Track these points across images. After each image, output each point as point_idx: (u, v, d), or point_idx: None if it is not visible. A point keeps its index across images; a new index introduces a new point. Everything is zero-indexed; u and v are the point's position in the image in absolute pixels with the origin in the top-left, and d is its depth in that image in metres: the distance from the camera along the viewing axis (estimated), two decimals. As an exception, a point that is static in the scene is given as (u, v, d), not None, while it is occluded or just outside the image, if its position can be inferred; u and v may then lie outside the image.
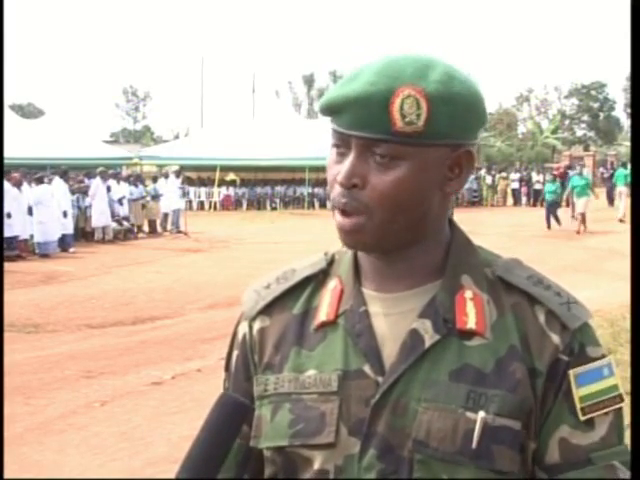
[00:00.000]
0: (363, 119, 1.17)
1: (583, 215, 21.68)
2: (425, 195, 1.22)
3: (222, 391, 1.39)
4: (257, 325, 1.34)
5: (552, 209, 22.79)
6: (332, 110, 1.20)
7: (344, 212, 1.21)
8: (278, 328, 1.32)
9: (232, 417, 1.13)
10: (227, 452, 1.13)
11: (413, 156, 1.19)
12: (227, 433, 1.12)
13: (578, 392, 1.21)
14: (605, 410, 1.22)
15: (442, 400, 1.18)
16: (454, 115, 1.19)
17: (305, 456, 1.23)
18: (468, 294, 1.24)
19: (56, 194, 18.32)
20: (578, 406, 1.20)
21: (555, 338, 1.21)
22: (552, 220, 22.70)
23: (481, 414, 1.17)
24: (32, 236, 17.42)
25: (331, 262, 1.35)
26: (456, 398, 1.18)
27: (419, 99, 1.17)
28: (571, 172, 31.58)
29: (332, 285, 1.31)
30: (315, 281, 1.34)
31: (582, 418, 1.20)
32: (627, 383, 1.25)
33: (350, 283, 1.29)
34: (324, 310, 1.29)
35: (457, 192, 1.28)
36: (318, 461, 1.22)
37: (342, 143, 1.21)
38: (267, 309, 1.34)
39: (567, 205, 23.15)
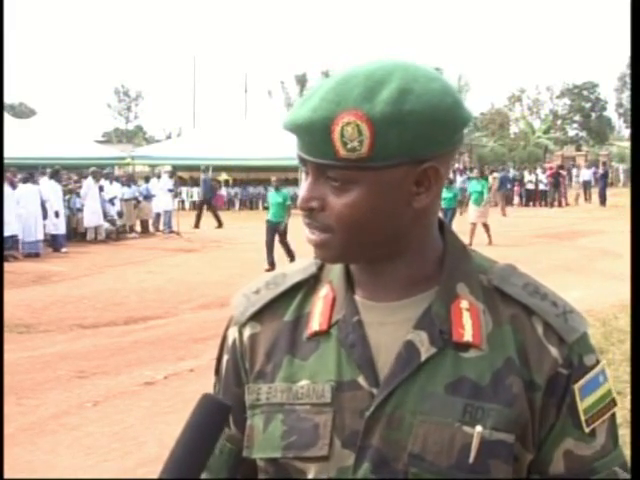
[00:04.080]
0: (310, 145, 1.17)
1: (485, 226, 18.52)
2: (388, 214, 1.19)
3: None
4: (247, 331, 1.32)
5: (450, 216, 18.44)
6: (289, 132, 1.21)
7: (310, 230, 1.22)
8: (269, 335, 1.30)
9: (213, 418, 1.13)
10: (209, 453, 1.13)
11: (365, 180, 1.16)
12: (209, 434, 1.12)
13: (582, 405, 1.21)
14: (603, 417, 1.23)
15: (438, 413, 1.17)
16: (406, 134, 1.14)
17: (298, 468, 1.21)
18: (464, 304, 1.22)
19: (45, 194, 18.25)
20: (583, 419, 1.21)
21: (554, 351, 1.20)
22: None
23: (478, 428, 1.16)
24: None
25: (321, 267, 1.33)
26: (452, 412, 1.17)
27: (360, 125, 1.13)
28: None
29: (324, 292, 1.29)
30: (306, 287, 1.32)
31: (587, 430, 1.21)
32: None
33: (342, 290, 1.27)
34: (316, 319, 1.27)
35: (431, 206, 1.22)
36: (312, 473, 1.21)
37: (303, 164, 1.21)
38: (257, 315, 1.32)
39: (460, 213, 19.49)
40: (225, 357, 1.36)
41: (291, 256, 14.55)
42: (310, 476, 1.21)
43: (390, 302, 1.24)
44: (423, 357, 1.19)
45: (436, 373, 1.19)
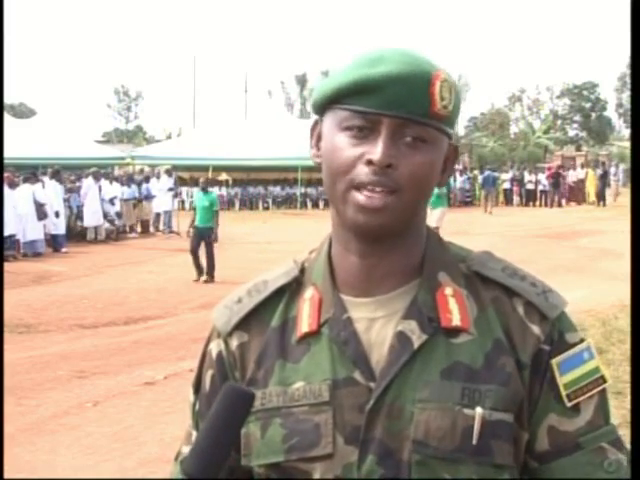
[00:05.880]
0: (402, 98, 1.16)
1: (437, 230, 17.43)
2: (435, 181, 1.24)
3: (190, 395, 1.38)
4: (235, 341, 1.31)
5: None
6: (362, 90, 1.17)
7: (372, 190, 1.17)
8: (258, 343, 1.29)
9: (237, 407, 1.12)
10: (233, 442, 1.12)
11: (436, 141, 1.20)
12: (233, 423, 1.12)
13: (562, 379, 1.22)
14: (589, 394, 1.24)
15: (437, 399, 1.18)
16: (459, 105, 1.23)
17: (303, 469, 1.21)
18: (448, 291, 1.24)
19: (39, 194, 18.21)
20: (563, 393, 1.22)
21: (535, 329, 1.23)
22: None
23: (478, 410, 1.17)
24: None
25: (303, 269, 1.33)
26: (451, 396, 1.18)
27: (451, 85, 1.19)
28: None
29: (309, 294, 1.29)
30: (289, 290, 1.31)
31: (568, 404, 1.22)
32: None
33: (328, 291, 1.27)
34: (305, 321, 1.27)
35: (440, 186, 1.29)
36: (317, 473, 1.21)
37: (368, 124, 1.18)
38: (243, 324, 1.31)
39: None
40: (209, 372, 1.34)
41: (210, 268, 13.34)
42: (315, 476, 1.21)
43: (376, 297, 1.25)
44: (416, 345, 1.20)
45: (430, 360, 1.20)
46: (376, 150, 1.16)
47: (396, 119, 1.17)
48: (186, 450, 1.34)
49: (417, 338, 1.20)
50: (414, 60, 1.18)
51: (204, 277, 13.42)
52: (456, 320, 1.22)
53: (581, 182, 35.57)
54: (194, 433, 1.35)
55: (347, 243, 1.26)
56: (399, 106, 1.16)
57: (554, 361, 1.22)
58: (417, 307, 1.23)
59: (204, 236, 13.41)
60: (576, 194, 35.26)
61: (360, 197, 1.18)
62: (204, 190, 13.94)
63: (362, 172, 1.17)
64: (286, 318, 1.29)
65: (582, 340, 1.26)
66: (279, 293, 1.31)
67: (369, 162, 1.16)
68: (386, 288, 1.25)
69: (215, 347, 1.34)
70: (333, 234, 1.30)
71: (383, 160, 1.16)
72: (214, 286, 12.51)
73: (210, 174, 32.26)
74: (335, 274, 1.28)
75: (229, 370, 1.31)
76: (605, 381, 1.26)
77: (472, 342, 1.21)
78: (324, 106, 1.24)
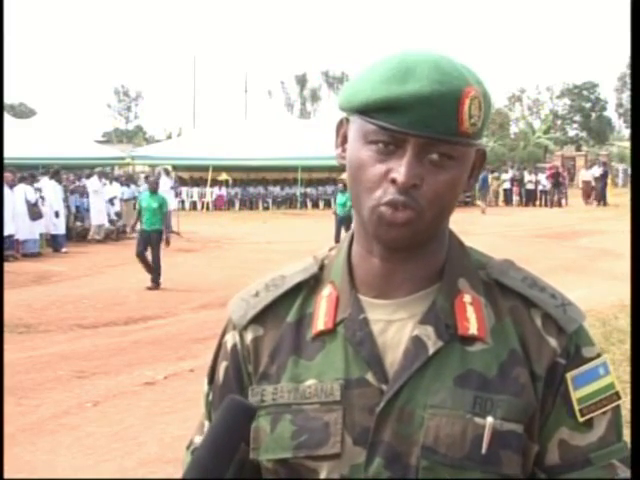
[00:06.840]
0: (430, 119, 1.15)
1: None
2: (460, 192, 1.24)
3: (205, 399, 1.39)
4: (250, 335, 1.31)
5: (343, 225, 16.98)
6: (390, 107, 1.16)
7: (396, 208, 1.17)
8: (273, 337, 1.29)
9: (238, 420, 1.12)
10: (233, 456, 1.12)
11: (462, 157, 1.19)
12: (234, 436, 1.11)
13: (576, 394, 1.21)
14: (603, 409, 1.23)
15: (449, 406, 1.18)
16: (489, 116, 1.22)
17: (310, 467, 1.21)
18: (467, 298, 1.24)
19: (45, 194, 18.22)
20: (576, 408, 1.21)
21: (552, 342, 1.22)
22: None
23: (489, 419, 1.17)
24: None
25: (321, 267, 1.32)
26: (463, 404, 1.18)
27: (481, 101, 1.17)
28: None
29: (326, 292, 1.29)
30: (307, 287, 1.31)
31: (581, 420, 1.21)
32: (619, 383, 1.26)
33: (346, 290, 1.27)
34: (321, 319, 1.27)
35: (466, 191, 1.29)
36: (324, 472, 1.21)
37: (394, 141, 1.17)
38: (259, 318, 1.31)
39: None
40: (223, 364, 1.35)
41: (156, 274, 12.73)
42: (322, 475, 1.21)
43: (395, 299, 1.24)
44: (431, 351, 1.20)
45: (444, 367, 1.20)
46: (401, 170, 1.16)
47: (423, 138, 1.16)
48: (198, 440, 1.34)
49: (432, 344, 1.20)
50: (445, 76, 1.16)
51: (148, 284, 12.77)
52: (473, 329, 1.21)
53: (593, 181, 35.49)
54: (206, 423, 1.36)
55: (369, 246, 1.25)
56: (426, 126, 1.15)
57: (569, 375, 1.22)
58: (435, 312, 1.22)
59: (152, 239, 12.86)
60: (592, 193, 35.19)
61: (385, 211, 1.17)
62: (153, 191, 13.28)
63: (388, 191, 1.17)
64: (302, 314, 1.29)
65: (599, 355, 1.25)
66: (297, 289, 1.31)
67: (394, 181, 1.16)
68: (405, 291, 1.25)
69: (230, 339, 1.34)
70: (355, 235, 1.29)
71: (407, 182, 1.16)
72: (214, 286, 12.49)
73: (210, 174, 32.35)
74: (354, 274, 1.28)
75: (243, 363, 1.32)
76: (619, 398, 1.25)
77: (487, 351, 1.21)
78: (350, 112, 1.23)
